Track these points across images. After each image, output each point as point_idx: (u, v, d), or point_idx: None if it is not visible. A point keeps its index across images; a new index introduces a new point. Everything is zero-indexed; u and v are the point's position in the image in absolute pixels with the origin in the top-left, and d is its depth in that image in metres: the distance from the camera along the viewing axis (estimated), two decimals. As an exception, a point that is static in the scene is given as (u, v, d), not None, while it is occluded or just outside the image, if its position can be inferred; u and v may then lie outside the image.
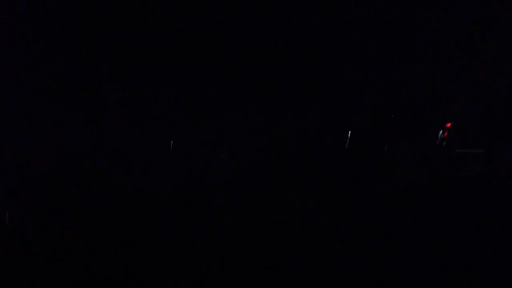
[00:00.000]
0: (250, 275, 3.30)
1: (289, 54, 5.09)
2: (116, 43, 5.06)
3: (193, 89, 5.37)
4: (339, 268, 3.45)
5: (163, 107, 5.31)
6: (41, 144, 4.89)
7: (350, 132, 5.11)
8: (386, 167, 4.91)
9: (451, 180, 4.65)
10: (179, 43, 5.18)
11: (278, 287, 3.18)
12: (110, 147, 5.07)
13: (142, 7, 4.95)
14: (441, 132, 4.85)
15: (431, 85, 4.92)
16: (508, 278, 3.27)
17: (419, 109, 5.02)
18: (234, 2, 4.91)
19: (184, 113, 5.33)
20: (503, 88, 4.64)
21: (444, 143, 4.84)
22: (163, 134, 5.26)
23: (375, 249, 3.85)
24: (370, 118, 5.14)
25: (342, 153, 5.13)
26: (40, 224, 4.31)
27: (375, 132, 5.11)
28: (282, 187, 4.66)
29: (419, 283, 3.30)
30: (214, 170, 4.94)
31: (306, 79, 5.18)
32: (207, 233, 4.09)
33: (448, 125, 4.77)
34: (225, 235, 4.04)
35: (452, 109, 4.76)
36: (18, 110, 4.94)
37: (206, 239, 3.96)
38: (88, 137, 5.04)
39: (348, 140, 5.10)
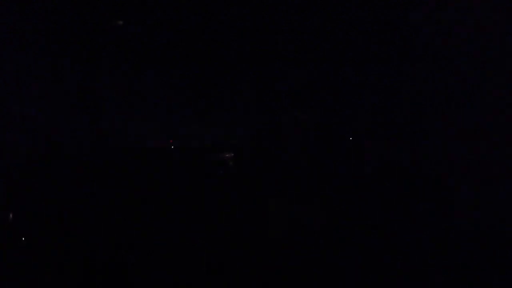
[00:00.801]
0: (250, 275, 3.30)
1: (289, 54, 5.09)
2: (116, 43, 5.07)
3: (193, 89, 5.37)
4: (339, 268, 3.44)
5: (163, 105, 5.31)
6: (40, 144, 4.89)
7: (349, 132, 5.11)
8: (385, 168, 4.91)
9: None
10: (178, 43, 5.18)
11: (278, 287, 3.17)
12: (109, 146, 5.07)
13: (142, 7, 4.95)
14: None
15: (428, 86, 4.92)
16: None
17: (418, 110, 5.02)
18: (234, 2, 4.91)
19: (184, 113, 5.33)
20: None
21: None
22: (163, 133, 5.26)
23: (374, 249, 3.85)
24: (369, 118, 5.14)
25: (342, 153, 5.13)
26: (39, 224, 4.31)
27: (373, 133, 5.11)
28: (282, 186, 4.66)
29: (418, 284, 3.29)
30: (214, 170, 4.94)
31: (304, 79, 5.18)
32: (207, 233, 4.09)
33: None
34: (225, 235, 4.04)
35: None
36: (17, 109, 4.94)
37: (206, 239, 3.96)
38: (88, 137, 5.04)
39: (347, 141, 5.10)
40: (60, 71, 5.02)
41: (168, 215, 4.35)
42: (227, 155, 5.00)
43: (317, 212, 4.39)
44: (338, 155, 5.11)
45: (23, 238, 4.00)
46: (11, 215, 4.30)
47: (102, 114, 5.13)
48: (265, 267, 3.42)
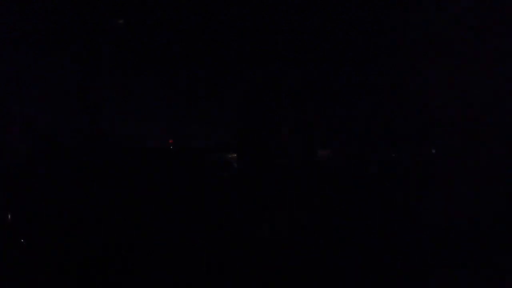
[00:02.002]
0: (250, 275, 3.30)
1: (288, 54, 5.09)
2: (115, 42, 5.07)
3: (190, 89, 5.37)
4: (339, 268, 3.44)
5: (162, 105, 5.31)
6: (40, 144, 4.89)
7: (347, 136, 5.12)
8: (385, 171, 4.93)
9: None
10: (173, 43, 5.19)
11: (278, 287, 3.17)
12: (109, 146, 5.07)
13: (141, 6, 4.95)
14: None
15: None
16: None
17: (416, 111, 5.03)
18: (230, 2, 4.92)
19: (184, 113, 5.33)
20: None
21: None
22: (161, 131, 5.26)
23: (374, 249, 3.86)
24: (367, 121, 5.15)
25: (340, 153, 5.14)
26: (39, 224, 4.30)
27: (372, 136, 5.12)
28: (282, 187, 4.66)
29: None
30: (213, 169, 4.94)
31: (304, 79, 5.18)
32: (206, 233, 4.08)
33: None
34: (224, 235, 4.03)
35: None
36: (17, 109, 4.94)
37: (206, 239, 3.96)
38: (87, 136, 5.05)
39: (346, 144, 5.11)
40: (60, 71, 5.03)
41: (168, 215, 4.35)
42: (225, 155, 5.00)
43: (316, 212, 4.39)
44: (337, 154, 5.12)
45: (23, 238, 3.99)
46: (10, 215, 4.29)
47: (102, 114, 5.14)
48: (266, 267, 3.43)
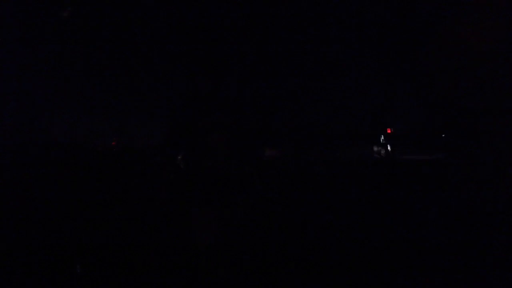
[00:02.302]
0: (249, 275, 3.25)
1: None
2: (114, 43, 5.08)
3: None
4: (338, 268, 3.41)
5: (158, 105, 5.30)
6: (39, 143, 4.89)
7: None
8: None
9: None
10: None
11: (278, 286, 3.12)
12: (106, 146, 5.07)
13: (140, 7, 4.98)
14: (382, 138, 4.88)
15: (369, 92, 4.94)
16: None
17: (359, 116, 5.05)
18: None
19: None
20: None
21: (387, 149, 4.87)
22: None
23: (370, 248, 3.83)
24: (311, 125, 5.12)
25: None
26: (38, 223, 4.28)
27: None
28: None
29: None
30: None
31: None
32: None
33: (389, 130, 4.79)
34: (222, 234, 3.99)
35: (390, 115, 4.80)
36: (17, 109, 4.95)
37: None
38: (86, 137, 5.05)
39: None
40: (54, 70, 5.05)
41: (109, 215, 4.27)
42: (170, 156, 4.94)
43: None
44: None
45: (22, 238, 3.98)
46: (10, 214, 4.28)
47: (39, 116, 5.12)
48: (264, 267, 3.40)
